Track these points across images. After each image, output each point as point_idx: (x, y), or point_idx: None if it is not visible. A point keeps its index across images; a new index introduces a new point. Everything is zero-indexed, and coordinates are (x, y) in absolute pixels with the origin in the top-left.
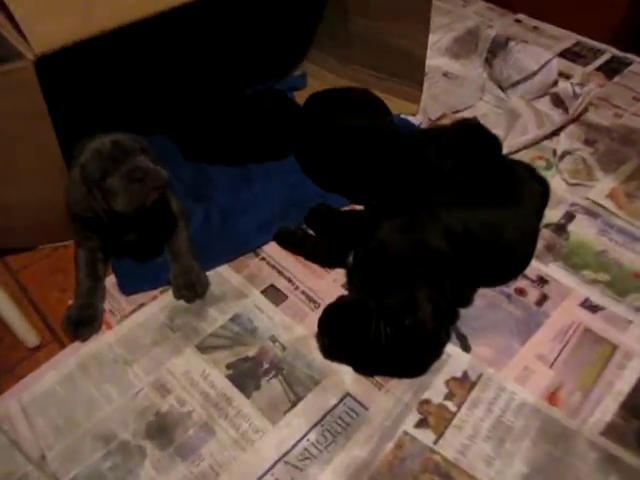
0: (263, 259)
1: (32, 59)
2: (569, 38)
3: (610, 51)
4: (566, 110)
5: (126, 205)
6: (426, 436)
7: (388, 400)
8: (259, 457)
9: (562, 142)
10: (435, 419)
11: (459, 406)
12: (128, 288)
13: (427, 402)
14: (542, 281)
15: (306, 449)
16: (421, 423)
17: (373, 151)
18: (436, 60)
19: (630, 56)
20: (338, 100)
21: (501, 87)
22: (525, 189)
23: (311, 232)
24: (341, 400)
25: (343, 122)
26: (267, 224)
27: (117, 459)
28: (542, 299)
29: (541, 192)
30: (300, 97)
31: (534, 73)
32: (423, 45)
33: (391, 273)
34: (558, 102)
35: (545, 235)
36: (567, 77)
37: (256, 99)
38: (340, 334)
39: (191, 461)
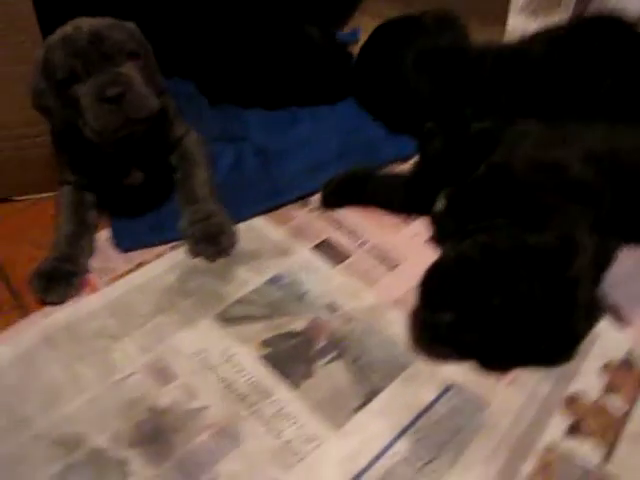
0: (314, 210)
1: None
2: None
3: None
4: None
5: (91, 130)
6: (586, 451)
7: (516, 394)
8: None
9: None
10: (596, 423)
11: (630, 404)
12: (126, 242)
13: (576, 398)
14: None
15: (392, 468)
16: (574, 430)
17: (467, 73)
18: (510, 19)
19: None
20: (412, 26)
21: None
22: None
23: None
24: (443, 393)
25: (424, 45)
26: (320, 167)
27: (83, 476)
28: None
29: None
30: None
31: None
32: None
33: (522, 205)
34: None
35: None
36: None
37: (302, 33)
38: (474, 303)
39: None
